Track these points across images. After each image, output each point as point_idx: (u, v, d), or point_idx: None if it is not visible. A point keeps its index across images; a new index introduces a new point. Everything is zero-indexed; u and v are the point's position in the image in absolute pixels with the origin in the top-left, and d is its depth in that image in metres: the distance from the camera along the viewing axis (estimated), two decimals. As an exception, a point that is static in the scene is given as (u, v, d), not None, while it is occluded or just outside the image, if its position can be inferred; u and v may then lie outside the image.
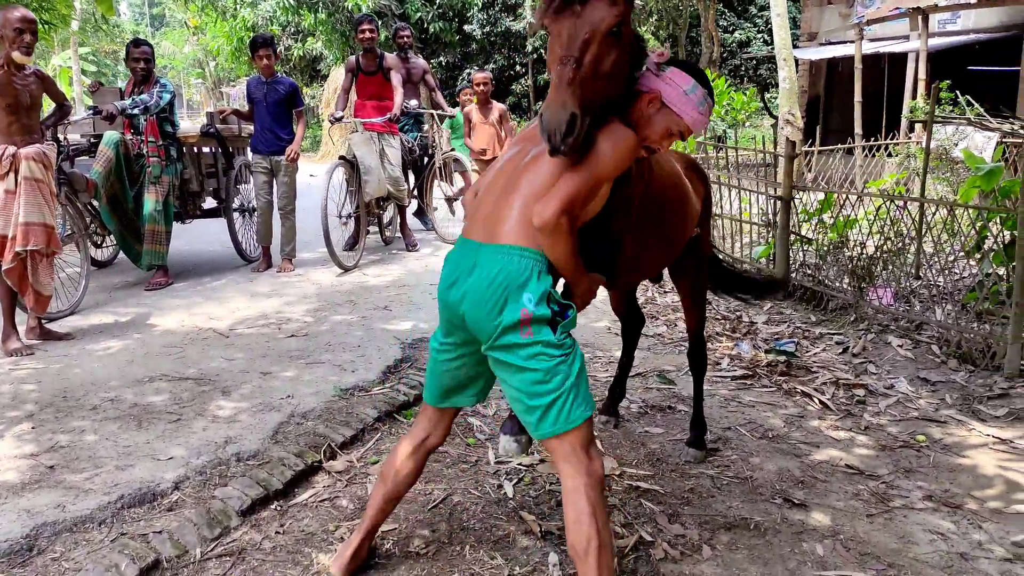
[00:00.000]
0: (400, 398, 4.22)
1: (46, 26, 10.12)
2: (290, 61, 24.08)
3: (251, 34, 20.92)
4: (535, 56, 23.04)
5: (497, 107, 8.22)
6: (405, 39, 8.38)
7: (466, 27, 19.81)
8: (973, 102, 8.80)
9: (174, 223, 6.65)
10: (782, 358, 5.17)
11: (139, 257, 6.47)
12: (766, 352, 5.31)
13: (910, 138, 10.12)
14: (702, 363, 3.88)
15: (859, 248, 6.04)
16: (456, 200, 8.56)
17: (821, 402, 4.51)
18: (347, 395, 4.18)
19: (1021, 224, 4.64)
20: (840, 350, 5.36)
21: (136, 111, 6.08)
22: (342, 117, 7.36)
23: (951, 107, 9.84)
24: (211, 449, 3.47)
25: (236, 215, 7.44)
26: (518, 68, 23.45)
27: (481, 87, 8.06)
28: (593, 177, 2.32)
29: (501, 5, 21.18)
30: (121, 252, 7.04)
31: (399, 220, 8.27)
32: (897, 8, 11.51)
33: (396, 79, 7.62)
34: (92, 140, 6.58)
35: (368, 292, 6.36)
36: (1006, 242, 5.34)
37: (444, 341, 2.54)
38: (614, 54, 2.40)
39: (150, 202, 6.30)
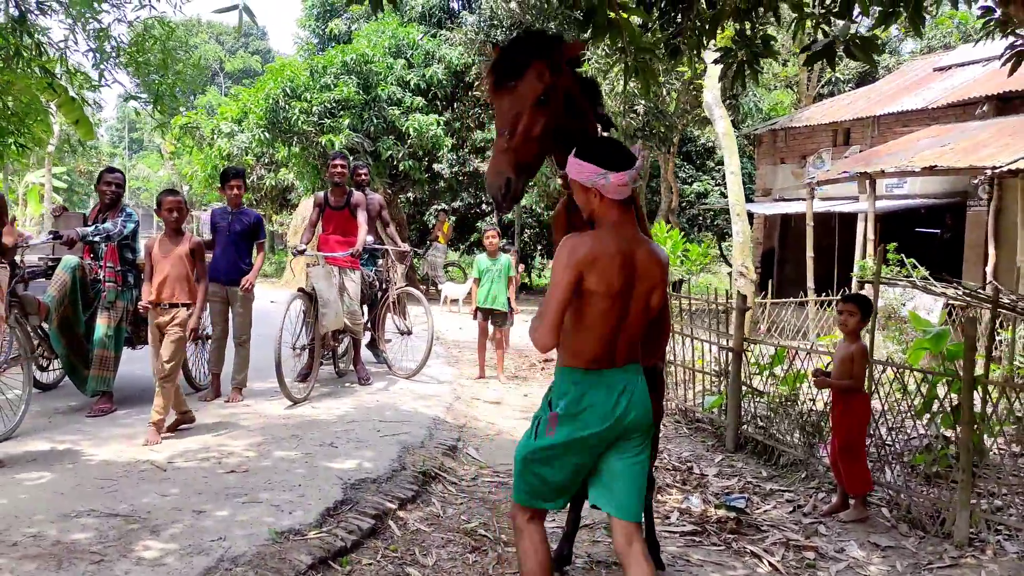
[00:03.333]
0: (337, 544, 4.08)
1: (21, 148, 10.21)
2: (262, 190, 24.44)
3: (226, 163, 21.32)
4: (502, 196, 23.69)
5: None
6: (363, 177, 8.56)
7: (435, 166, 20.36)
8: (917, 264, 9.13)
9: (124, 348, 6.56)
10: (732, 514, 5.11)
11: (85, 382, 6.33)
12: (716, 507, 5.26)
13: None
14: (651, 483, 4.13)
15: (810, 403, 6.10)
16: (409, 334, 8.58)
17: (771, 564, 4.43)
18: (282, 539, 4.04)
19: (965, 389, 4.72)
20: (791, 508, 5.32)
21: (98, 239, 6.10)
22: (305, 250, 7.43)
23: (898, 268, 10.19)
24: (130, 595, 3.31)
25: (188, 342, 7.35)
26: (484, 207, 24.02)
27: (494, 240, 8.74)
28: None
29: (470, 147, 21.89)
30: (66, 376, 6.89)
31: (353, 353, 8.23)
32: (846, 172, 12.10)
33: (362, 216, 7.76)
34: (50, 264, 6.56)
35: (315, 427, 6.24)
36: (954, 405, 5.43)
37: (574, 460, 3.00)
38: (542, 120, 3.03)
39: (102, 327, 6.22)
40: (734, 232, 9.52)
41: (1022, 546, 4.59)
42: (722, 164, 23.14)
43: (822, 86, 19.20)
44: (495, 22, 17.27)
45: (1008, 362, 6.37)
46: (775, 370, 6.57)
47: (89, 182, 42.39)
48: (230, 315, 7.07)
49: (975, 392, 4.79)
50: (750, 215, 17.29)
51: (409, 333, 8.54)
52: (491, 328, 8.89)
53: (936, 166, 10.57)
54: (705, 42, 6.31)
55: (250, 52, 56.65)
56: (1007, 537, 4.70)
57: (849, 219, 13.88)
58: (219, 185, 7.18)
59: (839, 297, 10.16)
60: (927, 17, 6.25)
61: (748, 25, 6.20)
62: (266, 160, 24.12)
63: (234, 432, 6.01)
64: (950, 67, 15.83)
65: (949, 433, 5.53)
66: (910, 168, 10.85)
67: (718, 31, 6.29)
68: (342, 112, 17.86)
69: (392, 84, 18.30)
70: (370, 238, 8.16)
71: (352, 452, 5.61)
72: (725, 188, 23.00)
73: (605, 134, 3.73)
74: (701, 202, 21.32)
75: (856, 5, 6.03)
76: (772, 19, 6.57)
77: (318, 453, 5.54)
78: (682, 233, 16.55)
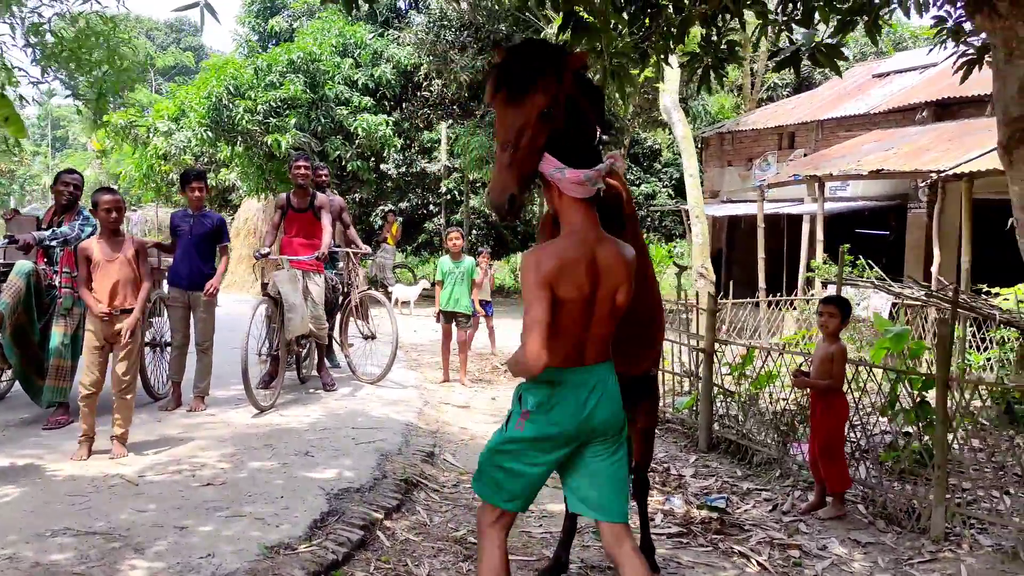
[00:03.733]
0: (329, 556, 3.98)
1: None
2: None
3: (162, 162, 20.74)
4: (448, 197, 23.56)
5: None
6: (324, 178, 8.41)
7: (383, 166, 20.17)
8: (873, 265, 9.34)
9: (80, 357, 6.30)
10: (715, 514, 5.14)
11: (40, 393, 6.07)
12: (698, 507, 5.28)
13: (812, 294, 10.64)
14: (646, 488, 4.14)
15: (781, 403, 6.17)
16: (373, 338, 8.44)
17: (759, 563, 4.46)
18: (273, 554, 3.91)
19: (939, 387, 4.82)
20: (770, 507, 5.37)
21: (55, 243, 5.85)
22: (268, 253, 7.25)
23: (849, 268, 10.41)
24: (126, 618, 3.16)
25: (147, 350, 7.11)
26: (431, 207, 23.89)
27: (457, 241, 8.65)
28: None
29: (418, 148, 21.73)
30: (15, 386, 6.60)
31: (317, 358, 8.07)
32: (796, 175, 12.33)
33: (326, 218, 7.61)
34: (2, 269, 6.26)
35: (287, 435, 6.09)
36: (917, 402, 5.55)
37: (544, 458, 2.95)
38: (547, 133, 2.97)
39: (58, 335, 5.97)
40: (694, 234, 9.60)
41: (996, 539, 4.71)
42: (669, 166, 23.47)
43: (764, 91, 19.55)
44: (445, 22, 17.15)
45: (959, 359, 6.52)
46: (746, 370, 6.63)
47: (10, 181, 40.87)
48: (191, 321, 6.85)
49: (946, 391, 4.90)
50: (686, 214, 17.57)
51: (373, 337, 8.40)
52: (455, 331, 8.78)
53: (882, 170, 10.84)
54: (672, 47, 6.35)
55: (182, 48, 55.30)
56: (980, 530, 4.82)
57: (793, 220, 14.14)
58: (157, 183, 6.93)
59: (808, 297, 10.37)
60: (882, 26, 6.43)
61: (714, 31, 6.28)
62: (205, 160, 23.61)
63: (203, 443, 5.82)
64: (888, 74, 16.27)
65: (911, 429, 5.65)
66: (858, 172, 11.11)
67: (686, 36, 6.36)
68: (288, 111, 17.55)
69: (340, 83, 18.05)
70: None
71: (330, 461, 5.48)
72: (672, 190, 23.40)
73: (604, 137, 3.69)
74: (649, 204, 21.55)
75: (817, 13, 6.17)
76: (737, 25, 6.64)
77: (295, 463, 5.40)
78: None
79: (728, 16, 6.27)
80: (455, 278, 8.58)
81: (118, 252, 5.51)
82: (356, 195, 21.68)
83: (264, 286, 8.17)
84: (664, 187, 22.07)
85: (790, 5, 6.24)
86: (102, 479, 4.90)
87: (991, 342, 7.97)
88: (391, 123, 18.08)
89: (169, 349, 6.99)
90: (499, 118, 3.03)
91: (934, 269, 10.82)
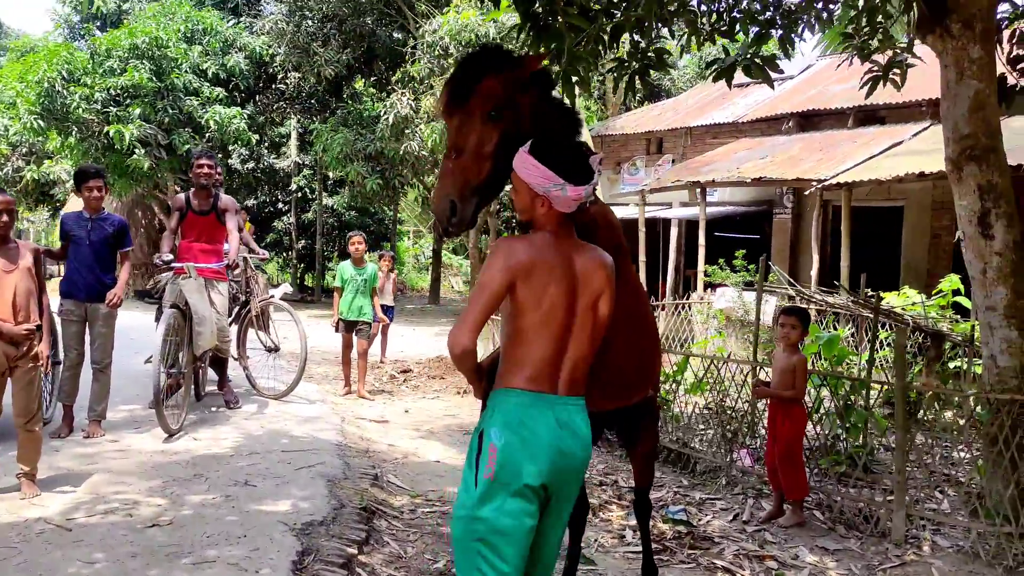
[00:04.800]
0: (326, 603, 3.60)
1: None
2: (18, 184, 21.73)
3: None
4: (299, 194, 22.67)
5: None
6: (217, 177, 7.48)
7: (229, 161, 19.11)
8: (777, 269, 9.71)
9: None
10: (681, 527, 5.12)
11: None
12: (663, 521, 5.24)
13: (702, 298, 10.97)
14: (648, 510, 4.01)
15: (726, 411, 6.25)
16: (277, 351, 7.89)
17: (745, 578, 4.47)
18: (269, 606, 3.49)
19: (898, 395, 5.02)
20: (730, 517, 5.41)
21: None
22: (172, 260, 6.59)
23: (730, 271, 10.82)
24: None
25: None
26: (281, 205, 22.92)
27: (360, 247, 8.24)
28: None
29: (268, 143, 20.77)
30: None
31: (218, 374, 7.44)
32: (679, 179, 12.69)
33: (232, 222, 7.01)
34: None
35: (214, 463, 5.53)
36: (842, 407, 5.78)
37: (530, 509, 2.55)
38: (494, 137, 2.79)
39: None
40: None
41: (952, 540, 4.95)
42: None
43: (626, 98, 20.08)
44: (306, 12, 16.42)
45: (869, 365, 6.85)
46: (677, 378, 6.68)
47: None
48: (88, 337, 6.11)
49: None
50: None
51: (276, 349, 7.85)
52: (354, 340, 8.30)
53: (763, 177, 11.34)
54: (604, 52, 6.34)
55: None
56: (935, 531, 5.05)
57: (651, 224, 14.54)
58: (74, 187, 6.14)
59: (697, 302, 10.63)
60: (795, 40, 6.67)
61: (645, 38, 6.31)
62: (24, 150, 21.55)
63: (122, 475, 5.18)
64: (748, 84, 17.08)
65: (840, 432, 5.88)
66: (741, 178, 11.57)
67: (616, 43, 6.36)
68: (132, 101, 16.24)
69: (188, 72, 16.90)
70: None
71: (277, 491, 5.01)
72: None
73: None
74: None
75: (738, 25, 6.34)
76: (667, 34, 6.74)
77: (239, 495, 4.90)
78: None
79: (659, 24, 6.33)
80: (357, 285, 8.15)
81: (15, 262, 4.81)
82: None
83: (149, 294, 7.47)
84: (529, 189, 22.10)
85: (714, 16, 6.37)
86: (23, 525, 4.24)
87: (879, 343, 8.47)
88: (245, 116, 17.13)
89: (59, 368, 6.19)
90: (447, 127, 2.92)
91: (814, 272, 11.40)
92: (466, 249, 27.68)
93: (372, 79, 18.58)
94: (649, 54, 6.27)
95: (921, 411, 5.94)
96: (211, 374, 7.64)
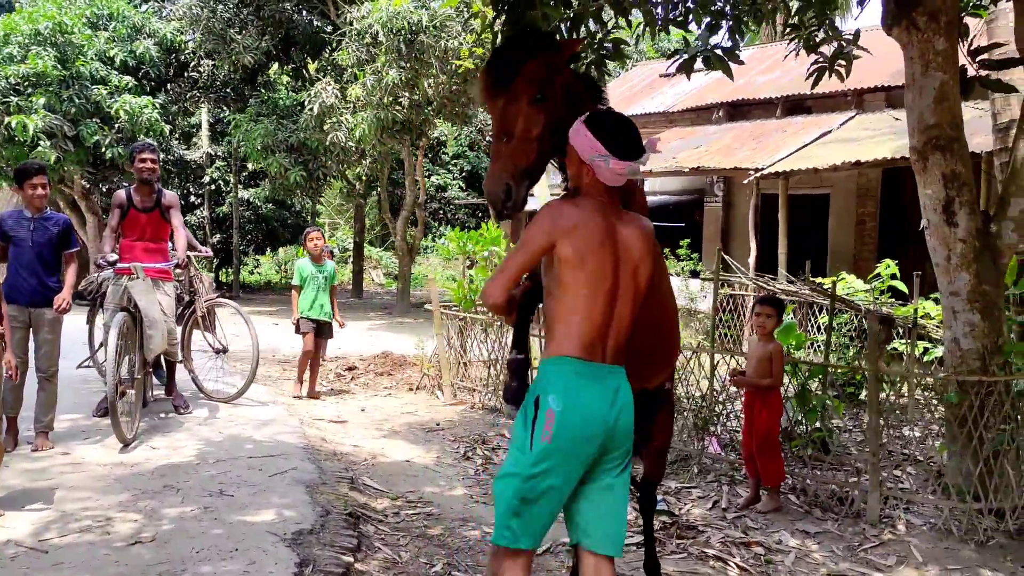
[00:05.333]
0: (342, 618, 3.47)
1: None
2: None
3: None
4: (212, 187, 21.91)
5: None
6: (158, 168, 7.07)
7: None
8: (730, 259, 9.87)
9: None
10: (664, 517, 5.15)
11: None
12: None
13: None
14: (653, 504, 4.01)
15: (696, 399, 6.32)
16: (225, 352, 7.58)
17: (738, 565, 4.52)
18: (285, 624, 3.34)
19: (871, 379, 5.15)
20: (709, 505, 5.47)
21: None
22: (116, 260, 6.24)
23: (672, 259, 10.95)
24: None
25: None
26: (193, 199, 22.10)
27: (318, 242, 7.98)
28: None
29: (179, 134, 19.97)
30: None
31: (166, 378, 7.11)
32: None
33: (177, 218, 6.70)
34: None
35: (181, 472, 5.28)
36: (798, 391, 5.91)
37: (576, 474, 2.66)
38: (542, 120, 2.85)
39: None
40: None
41: (923, 517, 5.12)
42: (458, 158, 23.41)
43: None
44: (222, -2, 15.79)
45: (826, 348, 7.06)
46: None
47: None
48: (32, 344, 5.74)
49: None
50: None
51: (225, 351, 7.54)
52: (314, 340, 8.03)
53: (701, 166, 11.51)
54: (564, 41, 6.31)
55: None
56: (907, 510, 5.21)
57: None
58: (15, 184, 5.71)
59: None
60: (745, 32, 6.80)
61: (601, 28, 6.34)
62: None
63: (84, 490, 4.89)
64: (674, 74, 17.27)
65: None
66: (679, 167, 11.71)
67: (576, 33, 6.36)
68: (35, 90, 15.32)
69: (94, 60, 16.04)
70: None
71: (256, 499, 4.81)
72: (464, 183, 23.39)
73: None
74: (441, 195, 21.35)
75: (692, 15, 6.41)
76: (624, 24, 6.76)
77: (217, 505, 4.68)
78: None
79: (616, 15, 6.36)
80: (318, 283, 7.90)
81: None
82: (113, 186, 19.56)
83: (82, 296, 7.09)
84: (455, 179, 21.99)
85: (669, 6, 6.42)
86: (-7, 550, 3.95)
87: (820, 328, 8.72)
88: (157, 106, 16.37)
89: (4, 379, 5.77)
90: (491, 111, 2.96)
91: (751, 260, 11.63)
92: (384, 241, 27.35)
93: (290, 67, 18.04)
94: (606, 44, 6.25)
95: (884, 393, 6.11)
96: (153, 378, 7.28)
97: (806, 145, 11.59)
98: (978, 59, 5.48)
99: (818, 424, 5.83)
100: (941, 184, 5.10)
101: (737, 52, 6.36)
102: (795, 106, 13.56)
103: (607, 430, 2.64)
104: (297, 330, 7.97)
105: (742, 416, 6.35)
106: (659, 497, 5.52)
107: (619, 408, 2.67)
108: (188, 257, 7.36)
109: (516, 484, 2.63)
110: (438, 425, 7.25)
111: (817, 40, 6.43)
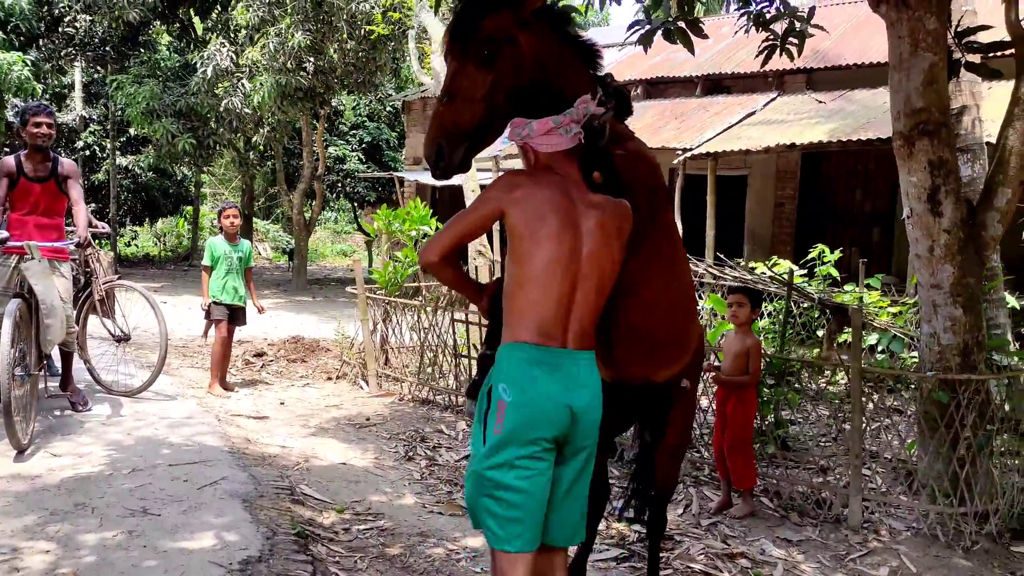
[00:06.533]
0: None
1: None
2: None
3: None
4: (87, 153, 20.30)
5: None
6: (54, 133, 6.18)
7: (6, 112, 16.68)
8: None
9: None
10: (639, 527, 4.82)
11: None
12: (616, 521, 4.92)
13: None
14: (663, 525, 3.74)
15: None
16: (127, 340, 6.78)
17: (726, 580, 4.24)
18: None
19: (854, 377, 4.94)
20: (680, 510, 5.18)
21: None
22: (7, 238, 5.40)
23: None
24: None
25: None
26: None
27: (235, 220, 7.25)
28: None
29: (51, 94, 18.33)
30: None
31: (61, 371, 6.29)
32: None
33: (77, 191, 5.86)
34: None
35: (92, 487, 4.56)
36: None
37: (541, 464, 2.49)
38: (487, 80, 2.67)
39: None
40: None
41: (903, 521, 4.97)
42: (356, 128, 22.41)
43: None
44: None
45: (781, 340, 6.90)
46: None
47: None
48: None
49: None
50: (401, 182, 16.95)
51: (127, 338, 6.73)
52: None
53: (623, 146, 11.17)
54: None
55: None
56: (887, 514, 5.05)
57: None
58: None
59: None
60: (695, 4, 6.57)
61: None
62: None
63: (-22, 512, 4.14)
64: (634, 44, 16.94)
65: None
66: (603, 147, 11.33)
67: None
68: None
69: (-45, 10, 14.43)
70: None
71: (187, 520, 4.19)
72: (363, 154, 22.40)
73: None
74: (339, 168, 20.34)
75: None
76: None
77: (143, 528, 4.03)
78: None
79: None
80: (231, 264, 7.14)
81: None
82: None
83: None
84: (353, 151, 21.01)
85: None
86: None
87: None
88: (28, 63, 14.89)
89: None
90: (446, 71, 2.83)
91: (708, 240, 11.17)
92: (281, 216, 26.10)
93: (176, 26, 16.77)
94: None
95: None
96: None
97: (732, 126, 11.49)
98: (964, 41, 5.32)
99: (773, 419, 5.63)
100: (927, 171, 4.89)
101: (701, 25, 6.10)
102: (714, 85, 13.46)
103: (565, 418, 2.49)
104: (208, 316, 7.21)
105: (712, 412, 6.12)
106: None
107: (580, 395, 2.52)
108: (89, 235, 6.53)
109: (475, 481, 2.53)
110: (368, 420, 6.70)
111: (768, 17, 6.23)
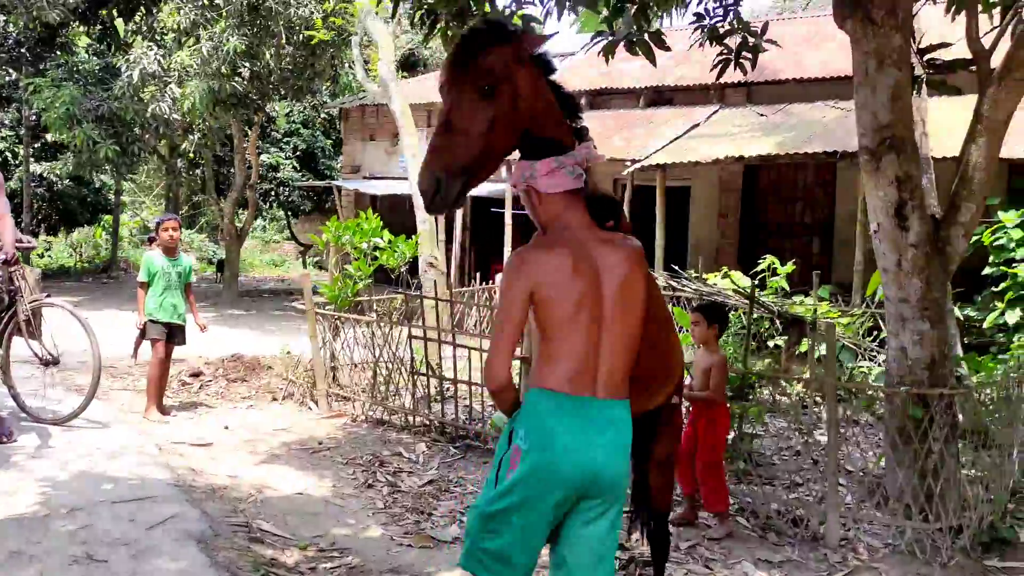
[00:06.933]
0: None
1: None
2: None
3: None
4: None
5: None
6: None
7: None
8: None
9: None
10: (620, 554, 4.63)
11: None
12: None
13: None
14: (667, 543, 3.68)
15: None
16: (55, 364, 6.28)
17: (716, 608, 4.08)
18: None
19: (829, 392, 4.86)
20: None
21: None
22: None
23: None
24: None
25: None
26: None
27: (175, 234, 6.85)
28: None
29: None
30: None
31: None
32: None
33: (3, 204, 5.41)
34: None
35: (28, 531, 4.14)
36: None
37: (548, 515, 2.49)
38: (488, 114, 2.65)
39: None
40: (419, 221, 8.76)
41: (879, 537, 4.89)
42: (290, 136, 21.78)
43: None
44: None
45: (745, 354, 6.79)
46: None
47: None
48: None
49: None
50: (339, 191, 16.46)
51: (56, 362, 6.24)
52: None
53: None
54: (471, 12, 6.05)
55: None
56: (863, 531, 4.97)
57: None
58: None
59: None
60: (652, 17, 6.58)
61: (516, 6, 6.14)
62: None
63: None
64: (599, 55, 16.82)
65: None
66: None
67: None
68: None
69: None
70: None
71: (139, 566, 3.82)
72: (297, 162, 21.77)
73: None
74: (273, 176, 19.67)
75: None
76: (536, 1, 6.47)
77: (91, 579, 3.66)
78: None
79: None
80: (170, 280, 6.69)
81: None
82: None
83: None
84: (288, 159, 20.36)
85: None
86: None
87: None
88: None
89: None
90: (444, 103, 2.78)
91: (658, 240, 11.01)
92: (194, 223, 25.24)
93: (97, 28, 15.99)
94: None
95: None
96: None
97: (679, 137, 11.47)
98: (926, 58, 5.33)
99: (737, 432, 5.53)
100: (894, 187, 4.88)
101: (663, 37, 6.05)
102: (658, 97, 13.47)
103: (579, 476, 2.46)
104: (142, 335, 6.74)
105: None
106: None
107: (605, 448, 2.48)
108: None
109: (476, 518, 2.55)
110: (321, 444, 6.35)
111: (722, 31, 6.25)
